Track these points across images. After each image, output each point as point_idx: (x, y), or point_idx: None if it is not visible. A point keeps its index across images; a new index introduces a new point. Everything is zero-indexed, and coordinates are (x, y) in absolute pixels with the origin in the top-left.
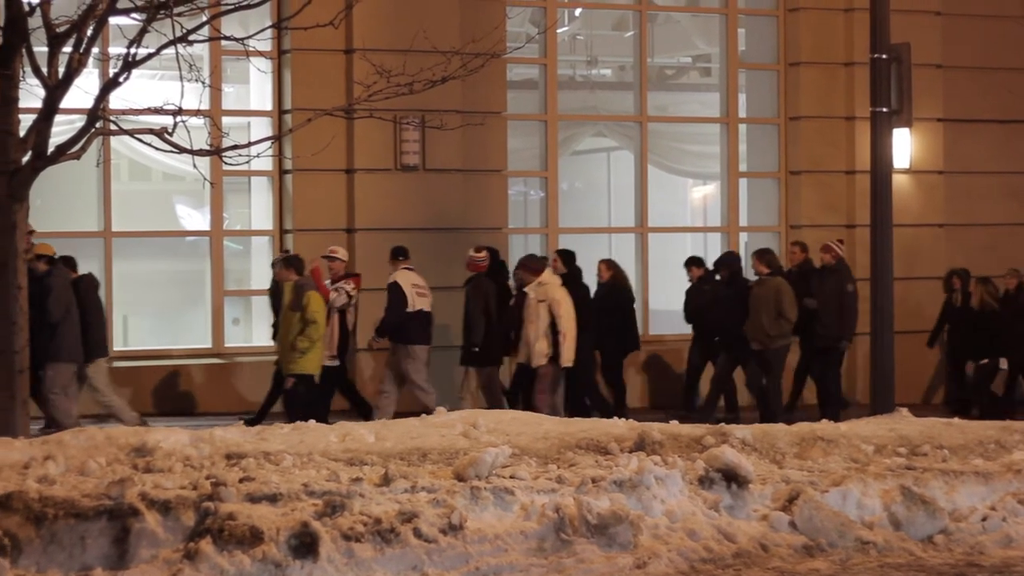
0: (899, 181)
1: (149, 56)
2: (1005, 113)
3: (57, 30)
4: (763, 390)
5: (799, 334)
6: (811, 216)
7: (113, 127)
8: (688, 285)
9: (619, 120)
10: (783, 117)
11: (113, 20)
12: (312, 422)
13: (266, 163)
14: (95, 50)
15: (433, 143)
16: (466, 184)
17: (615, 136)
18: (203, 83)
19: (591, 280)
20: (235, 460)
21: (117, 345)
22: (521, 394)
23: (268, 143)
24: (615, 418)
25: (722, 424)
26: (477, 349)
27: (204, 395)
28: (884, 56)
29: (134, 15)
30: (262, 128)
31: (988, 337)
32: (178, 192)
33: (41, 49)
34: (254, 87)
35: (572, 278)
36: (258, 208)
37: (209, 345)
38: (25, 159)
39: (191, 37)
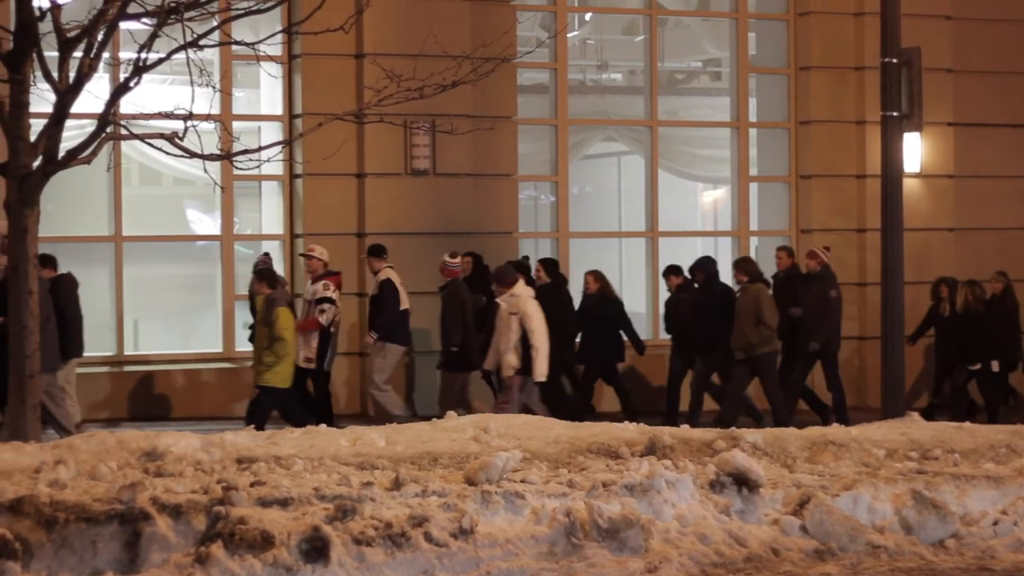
0: (909, 185)
1: (160, 61)
2: (1016, 117)
3: (68, 35)
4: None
5: (783, 341)
6: (821, 220)
7: (124, 131)
8: (668, 295)
9: (629, 124)
10: (793, 121)
11: (124, 25)
12: (323, 427)
13: (277, 167)
14: (106, 55)
15: (443, 147)
16: (476, 188)
17: (625, 140)
18: (214, 88)
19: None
20: (246, 464)
21: (128, 349)
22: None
23: (279, 147)
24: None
25: (733, 428)
26: (455, 348)
27: (215, 399)
28: (895, 60)
29: (145, 20)
30: (273, 132)
31: (973, 339)
32: (189, 196)
33: (52, 54)
34: (265, 91)
35: (556, 287)
36: (269, 212)
37: (220, 349)
38: (36, 164)
39: (202, 42)
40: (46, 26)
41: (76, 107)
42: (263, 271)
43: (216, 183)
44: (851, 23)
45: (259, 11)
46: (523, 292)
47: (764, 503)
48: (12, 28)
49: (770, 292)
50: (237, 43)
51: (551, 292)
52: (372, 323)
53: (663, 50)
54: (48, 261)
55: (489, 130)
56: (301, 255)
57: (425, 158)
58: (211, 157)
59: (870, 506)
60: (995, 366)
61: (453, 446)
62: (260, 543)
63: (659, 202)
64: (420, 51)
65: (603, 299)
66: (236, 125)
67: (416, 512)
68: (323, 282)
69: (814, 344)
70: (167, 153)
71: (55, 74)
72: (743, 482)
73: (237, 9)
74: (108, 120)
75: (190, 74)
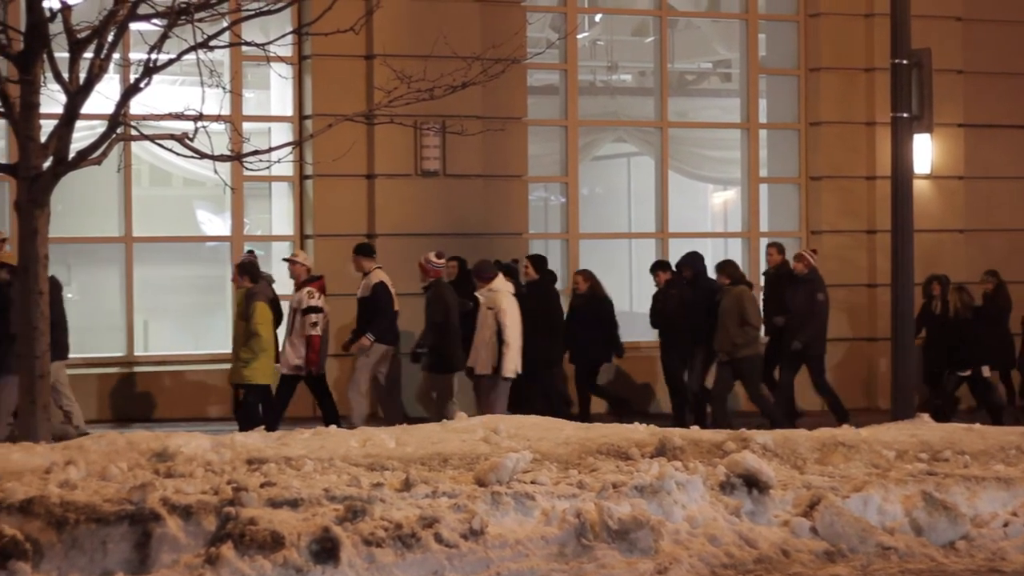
0: (919, 186)
1: (170, 62)
2: None
3: (78, 36)
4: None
5: (770, 345)
6: (831, 222)
7: (134, 132)
8: (655, 290)
9: (639, 125)
10: (803, 122)
11: (134, 26)
12: (333, 427)
13: (287, 168)
14: (116, 56)
15: (453, 148)
16: (486, 190)
17: (635, 141)
18: (224, 88)
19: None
20: (256, 465)
21: (138, 350)
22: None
23: (289, 148)
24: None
25: (743, 429)
26: (422, 350)
27: (225, 400)
28: (905, 61)
29: (155, 21)
30: (283, 133)
31: (962, 346)
32: (199, 197)
33: (62, 55)
34: (275, 92)
35: (544, 284)
36: (279, 213)
37: (230, 350)
38: (46, 164)
39: (212, 43)
40: (56, 27)
41: (86, 108)
42: (244, 264)
43: (226, 184)
44: (861, 24)
45: (269, 12)
46: (501, 287)
47: (774, 504)
48: (23, 29)
49: (760, 290)
50: (247, 44)
51: (539, 288)
52: (363, 324)
53: (673, 51)
54: None
55: (499, 131)
56: (284, 260)
57: (435, 159)
58: (221, 158)
59: (880, 507)
60: (986, 371)
61: (463, 447)
62: (270, 544)
63: (669, 203)
64: (430, 52)
65: (593, 298)
66: (246, 126)
67: (426, 513)
68: (307, 289)
69: (796, 344)
70: (177, 154)
71: (65, 75)
72: (753, 483)
73: (247, 10)
74: (118, 121)
75: (200, 75)
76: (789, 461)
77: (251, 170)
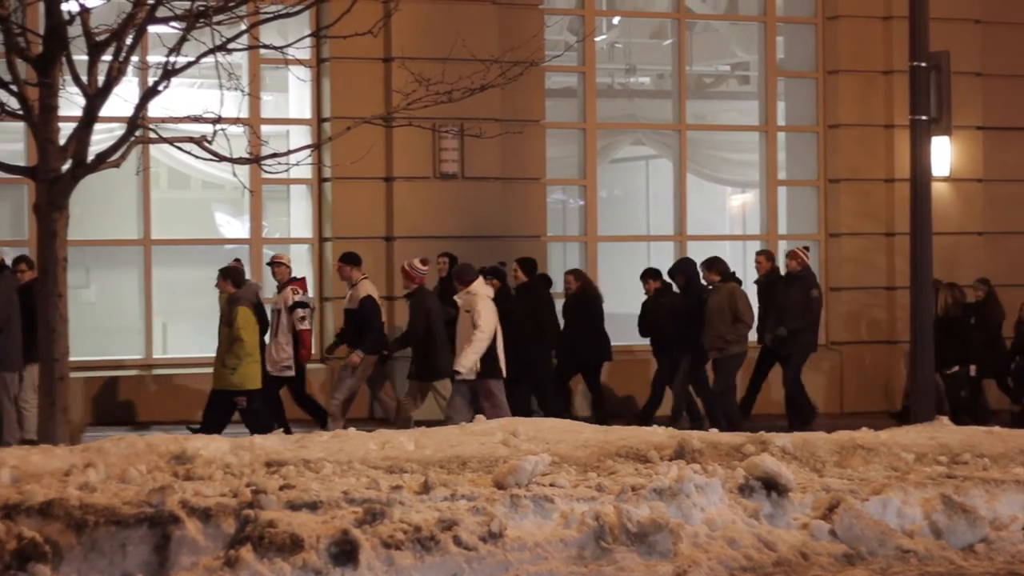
0: (938, 189)
1: (188, 64)
2: None
3: (97, 39)
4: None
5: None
6: (850, 224)
7: (152, 135)
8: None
9: (658, 128)
10: (822, 125)
11: (152, 29)
12: (352, 430)
13: (305, 171)
14: (134, 58)
15: (472, 151)
16: (505, 192)
17: (654, 144)
18: (242, 91)
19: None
20: (275, 468)
21: (156, 353)
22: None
23: (307, 151)
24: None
25: (762, 432)
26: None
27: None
28: (923, 64)
29: (173, 24)
30: (301, 136)
31: (957, 344)
32: (217, 200)
33: (81, 58)
34: (293, 95)
35: (533, 287)
36: (297, 216)
37: None
38: (65, 167)
39: (230, 46)
40: (75, 30)
41: (105, 111)
42: (228, 269)
43: (245, 187)
44: (879, 27)
45: (288, 15)
46: (479, 291)
47: (793, 507)
48: (42, 32)
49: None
50: (266, 47)
51: (528, 292)
52: (351, 337)
53: (691, 54)
54: (23, 262)
55: (517, 134)
56: (268, 263)
57: (453, 162)
58: (240, 161)
59: (899, 510)
60: (973, 371)
61: (482, 450)
62: (289, 546)
63: (687, 206)
64: (448, 55)
65: (583, 297)
66: (265, 129)
67: (445, 516)
68: (290, 288)
69: (781, 329)
70: (196, 157)
71: (84, 78)
72: (772, 486)
73: (266, 13)
74: (137, 124)
75: (219, 78)
76: (808, 464)
77: (269, 173)
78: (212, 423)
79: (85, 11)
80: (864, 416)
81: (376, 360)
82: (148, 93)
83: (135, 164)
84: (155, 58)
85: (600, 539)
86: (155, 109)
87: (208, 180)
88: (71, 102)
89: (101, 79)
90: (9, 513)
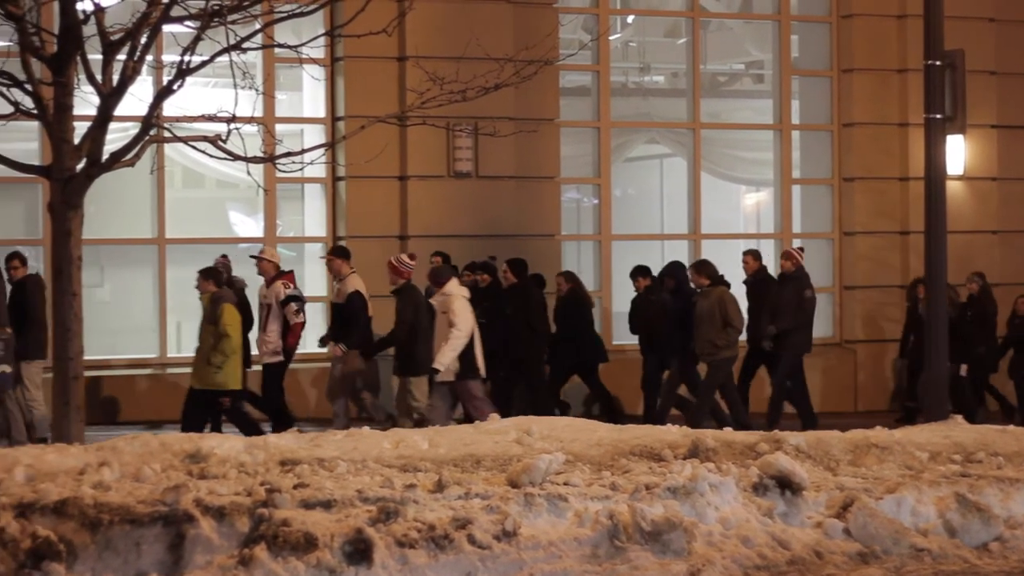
0: (953, 187)
1: (203, 64)
2: None
3: (111, 38)
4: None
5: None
6: (864, 223)
7: (167, 134)
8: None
9: (672, 127)
10: (836, 124)
11: (167, 28)
12: (366, 429)
13: (319, 170)
14: (149, 58)
15: (486, 150)
16: (519, 191)
17: (668, 143)
18: (256, 90)
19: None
20: (289, 466)
21: (171, 352)
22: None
23: (321, 150)
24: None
25: (776, 431)
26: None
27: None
28: (938, 62)
29: (188, 23)
30: (315, 135)
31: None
32: (232, 199)
33: (96, 57)
34: (307, 94)
35: (523, 288)
36: (311, 215)
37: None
38: (79, 166)
39: (245, 45)
40: (90, 29)
41: (120, 110)
42: (208, 269)
43: (259, 186)
44: (894, 25)
45: (302, 14)
46: (454, 291)
47: (807, 506)
48: (56, 31)
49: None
50: (280, 46)
51: (519, 292)
52: (337, 331)
53: (705, 52)
54: (16, 258)
55: (532, 132)
56: (251, 257)
57: (468, 160)
58: (254, 160)
59: (913, 509)
60: (963, 370)
61: (496, 448)
62: (303, 545)
63: (701, 204)
64: (462, 54)
65: (573, 300)
66: (279, 128)
67: (459, 514)
68: (281, 282)
69: (771, 328)
70: (210, 156)
71: (99, 77)
72: (786, 485)
73: (280, 12)
74: (151, 123)
75: (233, 77)
76: (822, 463)
77: (284, 172)
78: (192, 425)
79: (100, 10)
80: (878, 415)
81: (361, 356)
82: (163, 92)
83: (149, 163)
84: (170, 57)
85: (614, 538)
86: (170, 108)
87: (222, 179)
88: (86, 101)
89: (116, 78)
90: (24, 512)
